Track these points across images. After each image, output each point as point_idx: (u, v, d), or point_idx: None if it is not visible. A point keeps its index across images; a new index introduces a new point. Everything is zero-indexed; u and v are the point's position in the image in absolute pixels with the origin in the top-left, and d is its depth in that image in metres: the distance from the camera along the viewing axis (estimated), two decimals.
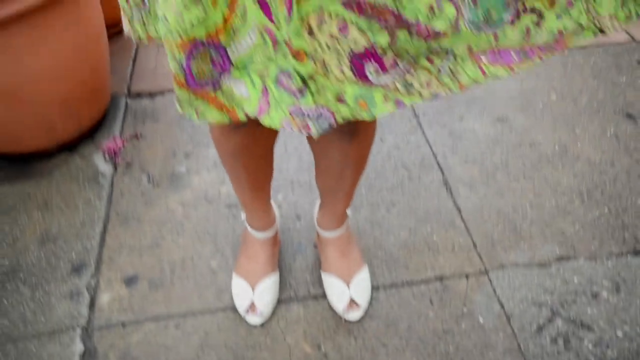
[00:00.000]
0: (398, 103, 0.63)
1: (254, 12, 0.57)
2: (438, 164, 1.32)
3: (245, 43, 0.60)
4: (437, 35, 0.56)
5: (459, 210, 1.21)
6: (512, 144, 1.37)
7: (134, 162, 1.31)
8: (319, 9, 0.56)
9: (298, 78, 0.59)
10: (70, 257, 1.11)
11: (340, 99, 0.63)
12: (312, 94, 0.61)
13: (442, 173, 1.29)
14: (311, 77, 0.60)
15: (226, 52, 0.61)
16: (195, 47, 0.59)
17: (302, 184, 1.27)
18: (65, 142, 1.32)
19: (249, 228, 1.04)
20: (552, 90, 1.53)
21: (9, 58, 1.09)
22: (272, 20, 0.57)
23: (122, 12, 0.71)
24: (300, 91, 0.60)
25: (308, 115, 0.62)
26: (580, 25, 0.57)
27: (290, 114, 0.62)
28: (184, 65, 0.60)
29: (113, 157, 1.32)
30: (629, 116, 1.43)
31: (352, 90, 0.62)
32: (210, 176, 1.28)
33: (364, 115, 0.64)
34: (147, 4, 0.70)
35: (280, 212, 1.20)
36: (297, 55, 0.57)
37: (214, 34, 0.59)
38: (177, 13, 0.56)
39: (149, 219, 1.19)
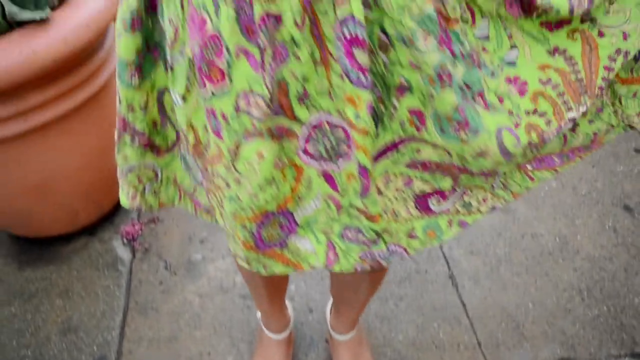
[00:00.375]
0: (462, 224, 0.69)
1: (319, 184, 0.62)
2: (444, 255, 1.37)
3: (310, 208, 0.65)
4: (495, 171, 0.61)
5: (464, 306, 1.26)
6: (515, 235, 1.43)
7: (151, 248, 1.36)
8: (384, 172, 0.62)
9: (372, 233, 0.64)
10: (92, 349, 1.15)
11: (411, 235, 0.68)
12: (385, 241, 0.66)
13: (448, 266, 1.34)
14: (384, 230, 0.65)
15: (293, 216, 0.66)
16: (266, 218, 0.63)
17: (313, 274, 1.32)
18: (86, 225, 1.37)
19: (265, 330, 1.09)
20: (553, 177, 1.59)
21: (39, 158, 1.15)
22: (336, 190, 0.62)
23: (125, 189, 0.74)
24: (374, 242, 0.65)
25: (379, 255, 0.66)
26: (612, 125, 0.64)
27: (361, 258, 0.66)
28: (255, 233, 0.64)
29: (131, 241, 1.37)
30: (627, 208, 1.50)
31: (420, 224, 0.68)
32: (225, 264, 1.33)
33: (434, 243, 0.70)
34: (160, 175, 0.74)
35: (292, 305, 1.25)
36: (371, 218, 0.62)
37: (283, 204, 0.63)
38: (253, 195, 0.60)
39: (167, 310, 1.23)
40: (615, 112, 0.63)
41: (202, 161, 0.65)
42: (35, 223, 1.31)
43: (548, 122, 0.56)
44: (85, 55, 1.09)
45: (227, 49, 0.52)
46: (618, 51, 0.55)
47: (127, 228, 1.39)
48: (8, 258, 1.35)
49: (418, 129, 0.57)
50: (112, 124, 1.27)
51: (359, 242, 0.65)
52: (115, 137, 0.69)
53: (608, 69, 0.55)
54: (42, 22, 1.00)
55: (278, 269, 0.69)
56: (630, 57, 0.56)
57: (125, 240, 1.37)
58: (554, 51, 0.55)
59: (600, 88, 0.56)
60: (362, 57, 0.50)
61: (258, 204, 0.61)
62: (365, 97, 0.51)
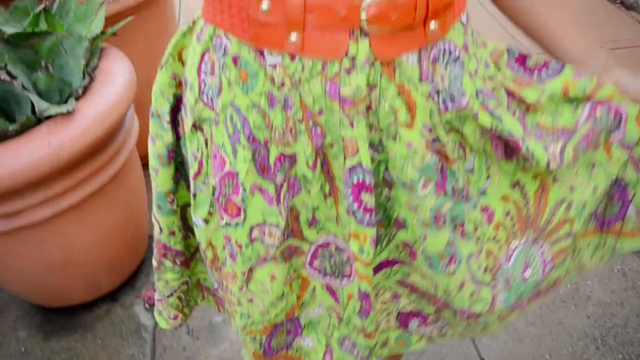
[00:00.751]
0: (431, 340, 0.74)
1: (322, 295, 0.67)
2: None
3: (314, 313, 0.69)
4: (477, 316, 0.66)
5: None
6: None
7: None
8: (375, 285, 0.66)
9: (366, 350, 0.68)
10: None
11: (384, 344, 0.73)
12: (375, 355, 0.71)
13: None
14: (376, 344, 0.70)
15: (299, 320, 0.70)
16: (275, 329, 0.67)
17: None
18: (107, 292, 1.41)
19: None
20: None
21: (62, 237, 1.18)
22: (338, 303, 0.66)
23: (165, 313, 0.78)
24: (367, 357, 0.69)
25: None
26: (570, 271, 0.70)
27: None
28: (265, 343, 0.68)
29: (153, 306, 1.40)
30: (635, 251, 1.53)
31: (394, 334, 0.72)
32: None
33: (401, 351, 0.74)
34: (189, 284, 0.78)
35: None
36: (368, 335, 0.66)
37: (291, 312, 0.67)
38: (264, 312, 0.64)
39: None
40: (573, 259, 0.69)
41: (219, 275, 0.69)
42: (58, 294, 1.34)
43: (500, 248, 0.62)
44: (107, 140, 1.14)
45: (243, 187, 0.56)
46: (563, 200, 0.61)
47: (148, 293, 1.42)
48: (32, 329, 1.38)
49: (410, 258, 0.61)
50: (129, 199, 1.31)
51: (354, 355, 0.69)
52: (154, 265, 0.73)
53: (552, 213, 0.61)
54: (68, 113, 1.05)
55: None
56: (573, 208, 0.62)
57: (147, 305, 1.40)
58: (515, 184, 0.61)
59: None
60: (369, 199, 0.53)
61: (269, 318, 0.64)
62: (370, 233, 0.55)
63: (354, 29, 0.47)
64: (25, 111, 1.04)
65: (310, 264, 0.64)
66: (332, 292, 0.66)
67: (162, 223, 0.67)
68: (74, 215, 1.15)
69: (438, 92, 0.52)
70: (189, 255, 0.75)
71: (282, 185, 0.56)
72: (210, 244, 0.67)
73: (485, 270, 0.62)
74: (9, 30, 1.07)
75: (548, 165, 0.56)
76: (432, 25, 0.49)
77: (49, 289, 1.31)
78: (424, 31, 0.49)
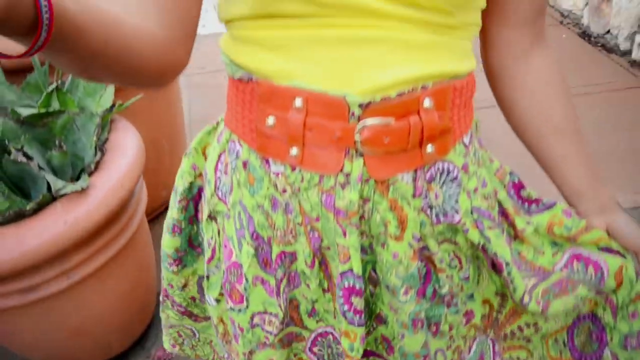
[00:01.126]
0: None
1: None
2: None
3: None
4: None
5: None
6: None
7: None
8: None
9: None
10: None
11: None
12: None
13: None
14: None
15: None
16: None
17: None
18: (118, 354, 1.43)
19: None
20: None
21: (77, 305, 1.21)
22: None
23: (167, 338, 0.84)
24: None
25: None
26: None
27: None
28: None
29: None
30: None
31: None
32: None
33: None
34: (197, 335, 0.83)
35: None
36: None
37: None
38: None
39: None
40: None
41: (228, 347, 0.73)
42: (71, 358, 1.36)
43: (466, 343, 0.65)
44: (119, 212, 1.18)
45: (246, 278, 0.60)
46: (535, 324, 0.65)
47: (158, 353, 1.44)
48: None
49: (388, 352, 0.65)
50: (139, 264, 1.35)
51: None
52: (161, 298, 0.78)
53: (519, 329, 0.66)
54: (83, 189, 1.09)
55: None
56: (538, 334, 0.66)
57: None
58: (498, 293, 0.64)
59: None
60: (358, 302, 0.57)
61: None
62: (359, 333, 0.58)
63: (349, 148, 0.51)
64: (41, 189, 1.08)
65: (310, 349, 0.68)
66: None
67: (163, 273, 0.73)
68: (89, 284, 1.18)
69: (431, 207, 0.55)
70: (202, 316, 0.80)
71: (282, 280, 0.60)
72: (221, 320, 0.72)
73: None
74: (24, 111, 1.12)
75: (522, 297, 0.58)
76: (429, 148, 0.52)
77: (62, 354, 1.33)
78: (420, 153, 0.52)
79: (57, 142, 1.11)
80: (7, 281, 1.06)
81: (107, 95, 1.24)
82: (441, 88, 0.51)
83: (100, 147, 1.18)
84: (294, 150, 0.52)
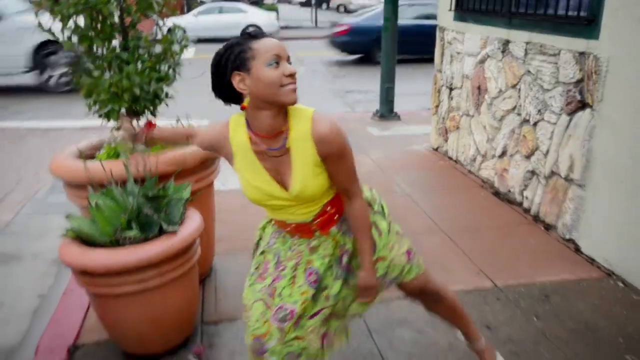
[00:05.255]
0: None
1: None
2: None
3: None
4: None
5: None
6: None
7: (210, 359, 2.21)
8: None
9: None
10: None
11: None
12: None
13: None
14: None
15: None
16: None
17: None
18: (172, 347, 2.24)
19: None
20: None
21: (159, 299, 2.10)
22: None
23: None
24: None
25: None
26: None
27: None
28: None
29: (199, 356, 2.22)
30: None
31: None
32: None
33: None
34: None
35: None
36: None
37: None
38: None
39: None
40: None
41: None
42: (145, 343, 2.18)
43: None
44: (188, 247, 2.14)
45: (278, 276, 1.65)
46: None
47: (195, 349, 2.26)
48: None
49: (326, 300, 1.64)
50: (194, 288, 2.26)
51: None
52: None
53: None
54: (175, 231, 2.08)
55: None
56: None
57: (194, 356, 2.23)
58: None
59: None
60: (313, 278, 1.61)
61: None
62: (311, 292, 1.59)
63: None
64: (155, 229, 2.07)
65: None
66: None
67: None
68: (168, 287, 2.09)
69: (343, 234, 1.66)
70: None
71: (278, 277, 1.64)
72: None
73: None
74: (150, 193, 2.16)
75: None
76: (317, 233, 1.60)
77: (141, 340, 2.16)
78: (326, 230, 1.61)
79: (164, 209, 2.13)
80: (130, 273, 1.98)
81: (187, 192, 2.29)
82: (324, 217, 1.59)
83: (182, 216, 2.19)
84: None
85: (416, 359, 2.19)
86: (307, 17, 24.18)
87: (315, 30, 20.86)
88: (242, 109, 1.42)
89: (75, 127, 6.37)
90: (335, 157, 1.44)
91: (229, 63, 1.37)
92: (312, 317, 1.60)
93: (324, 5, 33.79)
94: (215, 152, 1.63)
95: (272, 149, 1.45)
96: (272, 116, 1.40)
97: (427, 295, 1.86)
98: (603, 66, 2.78)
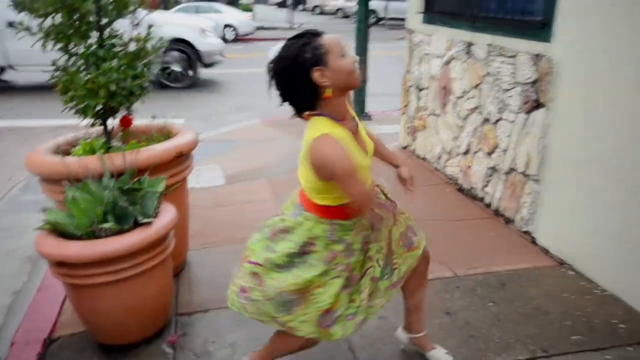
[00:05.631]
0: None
1: None
2: None
3: None
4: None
5: None
6: None
7: (185, 347, 2.30)
8: None
9: None
10: None
11: None
12: None
13: None
14: None
15: None
16: None
17: None
18: (148, 336, 2.32)
19: None
20: None
21: (135, 290, 2.18)
22: None
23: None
24: None
25: None
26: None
27: None
28: None
29: (173, 344, 2.31)
30: None
31: None
32: (226, 352, 2.27)
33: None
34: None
35: None
36: None
37: None
38: None
39: None
40: None
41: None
42: (120, 333, 2.26)
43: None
44: (163, 238, 2.23)
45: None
46: None
47: (170, 338, 2.34)
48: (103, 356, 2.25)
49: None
50: (168, 278, 2.35)
51: None
52: None
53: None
54: (149, 222, 2.16)
55: None
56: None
57: (168, 344, 2.31)
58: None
59: None
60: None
61: None
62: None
63: None
64: (130, 221, 2.15)
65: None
66: None
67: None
68: (144, 277, 2.17)
69: None
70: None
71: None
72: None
73: None
74: (125, 186, 2.24)
75: None
76: None
77: (116, 330, 2.23)
78: None
79: (139, 202, 2.22)
80: (107, 264, 2.06)
81: (161, 185, 2.37)
82: None
83: (156, 209, 2.28)
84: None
85: (380, 342, 2.32)
86: (282, 18, 24.24)
87: (290, 32, 20.92)
88: (326, 98, 1.58)
89: (48, 126, 6.34)
90: None
91: (306, 62, 1.52)
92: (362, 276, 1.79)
93: (300, 7, 33.87)
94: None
95: (352, 130, 1.68)
96: (345, 101, 1.66)
97: (422, 272, 2.04)
98: (555, 67, 2.97)
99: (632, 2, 2.47)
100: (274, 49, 1.62)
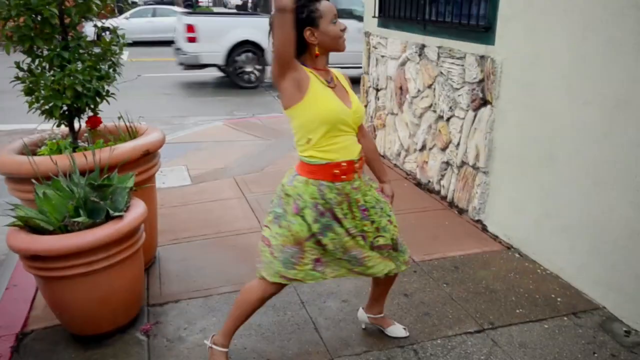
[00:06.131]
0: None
1: None
2: None
3: None
4: None
5: None
6: None
7: (158, 334, 2.41)
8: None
9: None
10: None
11: None
12: None
13: None
14: None
15: None
16: None
17: None
18: (121, 326, 2.42)
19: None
20: None
21: (106, 281, 2.27)
22: None
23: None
24: None
25: None
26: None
27: None
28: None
29: (147, 332, 2.41)
30: None
31: None
32: (195, 338, 2.39)
33: None
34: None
35: None
36: None
37: None
38: None
39: None
40: None
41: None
42: (93, 324, 2.34)
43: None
44: (134, 231, 2.33)
45: None
46: None
47: (143, 327, 2.44)
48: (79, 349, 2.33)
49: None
50: (140, 269, 2.45)
51: None
52: None
53: None
54: (121, 216, 2.27)
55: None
56: None
57: (142, 333, 2.41)
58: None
59: None
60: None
61: None
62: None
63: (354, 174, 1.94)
64: (102, 215, 2.25)
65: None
66: None
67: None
68: (116, 268, 2.27)
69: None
70: None
71: None
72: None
73: None
74: (95, 182, 2.34)
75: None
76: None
77: (88, 319, 2.32)
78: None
79: (110, 197, 2.32)
80: (81, 256, 2.15)
81: (130, 181, 2.47)
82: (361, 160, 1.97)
83: (127, 204, 2.38)
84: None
85: (343, 323, 2.49)
86: None
87: None
88: (316, 56, 1.85)
89: (3, 130, 6.25)
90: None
91: (301, 20, 1.76)
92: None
93: (258, 10, 33.87)
94: (297, 83, 1.80)
95: (328, 81, 1.89)
96: (326, 60, 1.91)
97: (394, 276, 2.22)
98: (498, 68, 3.23)
99: (563, 7, 2.74)
100: None
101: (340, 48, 1.86)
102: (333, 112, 1.82)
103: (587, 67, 2.61)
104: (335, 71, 1.98)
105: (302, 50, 1.84)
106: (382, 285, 2.25)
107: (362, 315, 2.42)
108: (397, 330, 2.36)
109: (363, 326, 2.44)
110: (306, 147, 1.87)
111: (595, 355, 2.29)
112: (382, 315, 2.37)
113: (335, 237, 1.90)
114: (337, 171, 1.87)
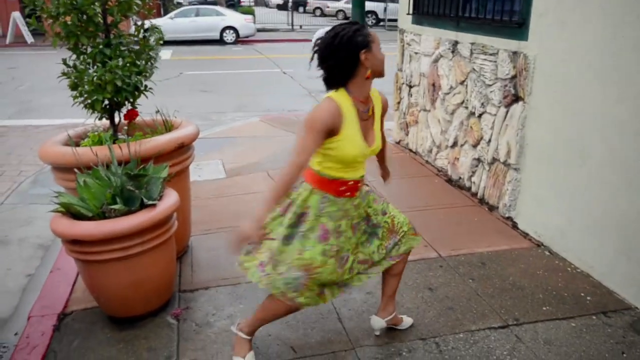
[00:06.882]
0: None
1: None
2: None
3: None
4: None
5: None
6: None
7: (187, 319, 2.51)
8: None
9: None
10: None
11: None
12: None
13: None
14: None
15: None
16: None
17: None
18: (153, 309, 2.53)
19: None
20: None
21: (142, 266, 2.38)
22: None
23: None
24: None
25: None
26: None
27: None
28: None
29: (177, 317, 2.52)
30: None
31: None
32: (223, 324, 2.47)
33: None
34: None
35: None
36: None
37: None
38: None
39: (201, 345, 2.34)
40: None
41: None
42: (127, 307, 2.46)
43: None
44: (166, 219, 2.44)
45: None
46: None
47: (174, 311, 2.54)
48: (114, 329, 2.45)
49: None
50: (172, 255, 2.56)
51: None
52: None
53: None
54: (154, 204, 2.37)
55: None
56: None
57: (173, 317, 2.52)
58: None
59: None
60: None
61: None
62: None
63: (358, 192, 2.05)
64: (137, 203, 2.36)
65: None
66: None
67: None
68: (150, 253, 2.38)
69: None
70: None
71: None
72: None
73: None
74: (131, 172, 2.45)
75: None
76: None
77: (123, 302, 2.44)
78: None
79: (145, 187, 2.43)
80: (116, 241, 2.27)
81: (164, 172, 2.58)
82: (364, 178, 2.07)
83: (160, 193, 2.49)
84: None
85: (366, 314, 2.52)
86: (283, 20, 24.47)
87: (291, 33, 21.16)
88: (367, 78, 1.88)
89: (53, 124, 6.56)
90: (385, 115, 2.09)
91: (358, 44, 1.81)
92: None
93: (301, 9, 34.13)
94: (329, 134, 1.85)
95: (364, 112, 1.92)
96: (369, 87, 1.92)
97: (400, 271, 2.27)
98: (531, 64, 3.17)
99: (598, 1, 2.67)
100: (321, 31, 2.05)
101: (383, 73, 1.92)
102: (351, 156, 1.91)
103: (621, 63, 2.54)
104: (375, 94, 2.01)
105: (352, 74, 1.86)
106: (396, 275, 2.26)
107: (377, 322, 2.34)
108: (407, 321, 2.40)
109: (377, 333, 2.38)
110: (318, 162, 1.95)
111: (624, 355, 2.23)
112: (395, 312, 2.36)
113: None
114: (343, 188, 1.97)
